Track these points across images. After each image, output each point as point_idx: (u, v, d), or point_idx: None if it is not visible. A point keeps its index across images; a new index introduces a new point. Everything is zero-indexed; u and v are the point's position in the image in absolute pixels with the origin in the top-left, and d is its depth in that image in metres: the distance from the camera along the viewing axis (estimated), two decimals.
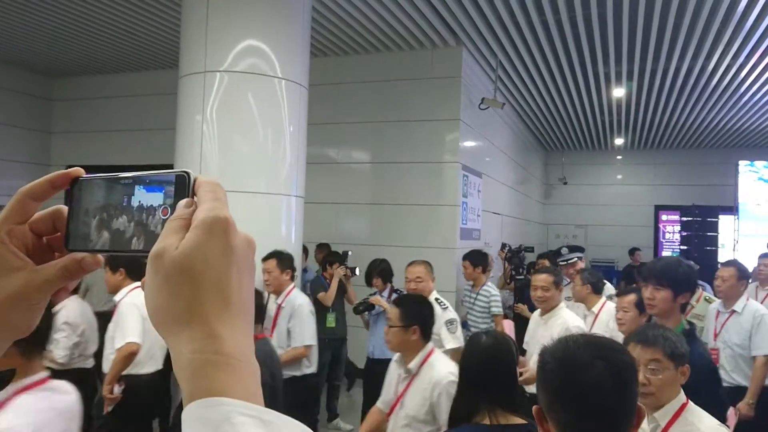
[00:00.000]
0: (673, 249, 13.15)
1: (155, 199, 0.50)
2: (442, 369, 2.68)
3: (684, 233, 11.30)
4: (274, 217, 4.53)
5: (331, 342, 5.46)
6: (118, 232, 0.51)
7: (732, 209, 11.46)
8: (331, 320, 5.51)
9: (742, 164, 11.79)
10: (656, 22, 5.85)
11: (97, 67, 8.35)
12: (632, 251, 10.98)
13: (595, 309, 4.46)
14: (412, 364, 2.74)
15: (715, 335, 4.24)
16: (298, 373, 4.11)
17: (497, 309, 5.18)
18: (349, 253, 6.09)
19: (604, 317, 4.32)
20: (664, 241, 13.71)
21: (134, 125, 8.44)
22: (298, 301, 4.15)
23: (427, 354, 2.76)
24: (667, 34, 6.17)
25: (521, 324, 5.19)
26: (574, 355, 1.17)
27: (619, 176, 14.20)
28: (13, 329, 0.52)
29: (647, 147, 13.34)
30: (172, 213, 0.48)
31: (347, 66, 7.32)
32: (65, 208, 0.53)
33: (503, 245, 8.50)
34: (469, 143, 7.44)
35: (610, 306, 4.20)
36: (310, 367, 4.22)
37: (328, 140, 7.33)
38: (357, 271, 5.95)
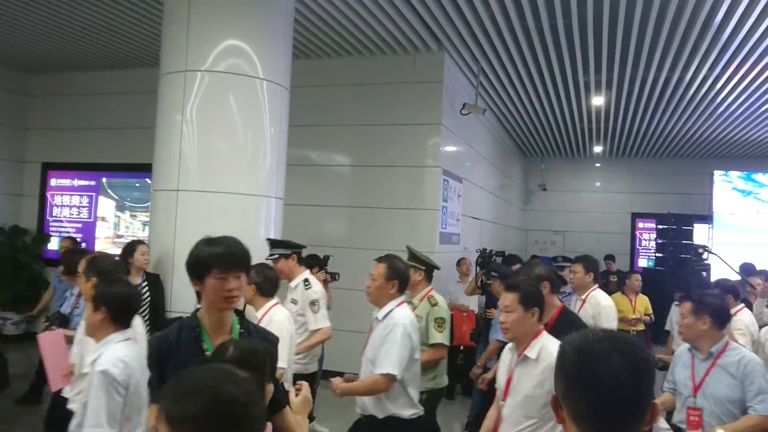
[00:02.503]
0: (648, 256, 13.34)
1: None
2: None
3: (659, 241, 11.44)
4: (253, 218, 4.49)
5: None
6: None
7: (707, 218, 11.66)
8: None
9: (717, 174, 12.02)
10: (635, 33, 5.93)
11: (76, 64, 8.23)
12: (607, 258, 10.98)
13: (260, 314, 3.67)
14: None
15: None
16: None
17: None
18: (331, 257, 6.05)
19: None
20: (640, 248, 13.89)
21: (113, 123, 8.34)
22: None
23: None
24: (645, 45, 6.27)
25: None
26: (593, 347, 1.20)
27: (598, 183, 14.38)
28: None
29: (625, 155, 13.52)
30: None
31: (329, 68, 7.31)
32: None
33: (483, 250, 8.51)
34: (450, 148, 7.47)
35: (279, 310, 3.67)
36: None
37: (309, 142, 7.31)
38: (338, 277, 5.94)
